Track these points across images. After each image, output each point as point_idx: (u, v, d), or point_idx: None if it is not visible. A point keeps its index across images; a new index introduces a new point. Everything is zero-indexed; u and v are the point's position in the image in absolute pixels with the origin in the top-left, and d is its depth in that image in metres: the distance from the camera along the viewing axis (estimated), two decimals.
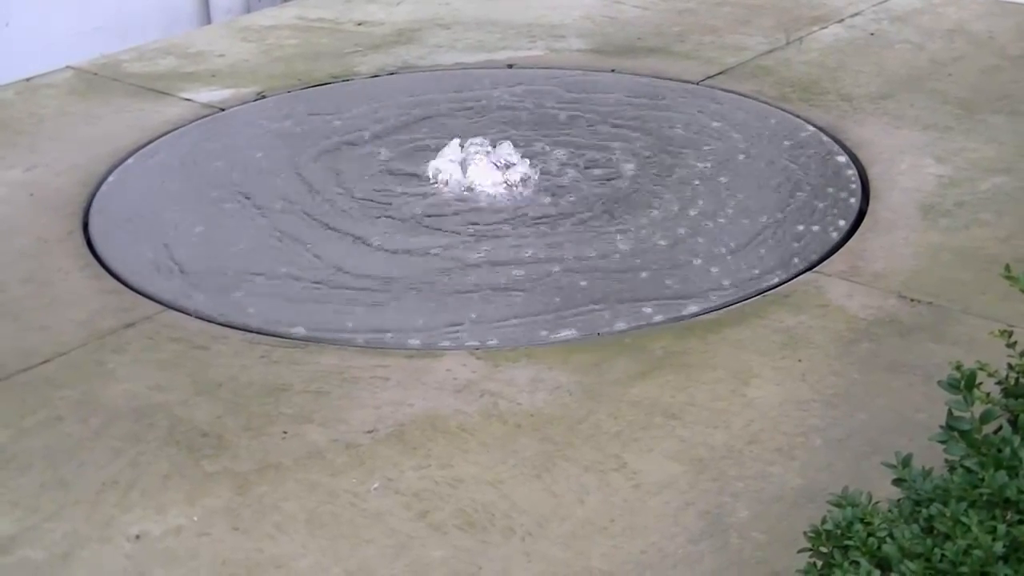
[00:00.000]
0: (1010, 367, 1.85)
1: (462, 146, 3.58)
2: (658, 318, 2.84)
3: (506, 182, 3.45)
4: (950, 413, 1.74)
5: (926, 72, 4.18)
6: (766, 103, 3.98)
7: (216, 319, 2.90)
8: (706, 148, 3.68)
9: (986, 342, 2.04)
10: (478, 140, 3.61)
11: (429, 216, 3.33)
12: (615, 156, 3.62)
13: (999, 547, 1.53)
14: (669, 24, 4.72)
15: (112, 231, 3.32)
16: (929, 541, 1.56)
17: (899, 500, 1.69)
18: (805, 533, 1.67)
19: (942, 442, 1.74)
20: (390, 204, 3.40)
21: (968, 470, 1.66)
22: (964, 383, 1.72)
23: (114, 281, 3.07)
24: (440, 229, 3.26)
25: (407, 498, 2.27)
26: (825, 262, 3.04)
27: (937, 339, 2.70)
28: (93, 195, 3.51)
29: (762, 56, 4.36)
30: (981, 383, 1.74)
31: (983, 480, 1.62)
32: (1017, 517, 1.59)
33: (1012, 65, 4.22)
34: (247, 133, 3.92)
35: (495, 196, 3.41)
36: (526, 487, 2.29)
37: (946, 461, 1.73)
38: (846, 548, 1.60)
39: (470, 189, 3.44)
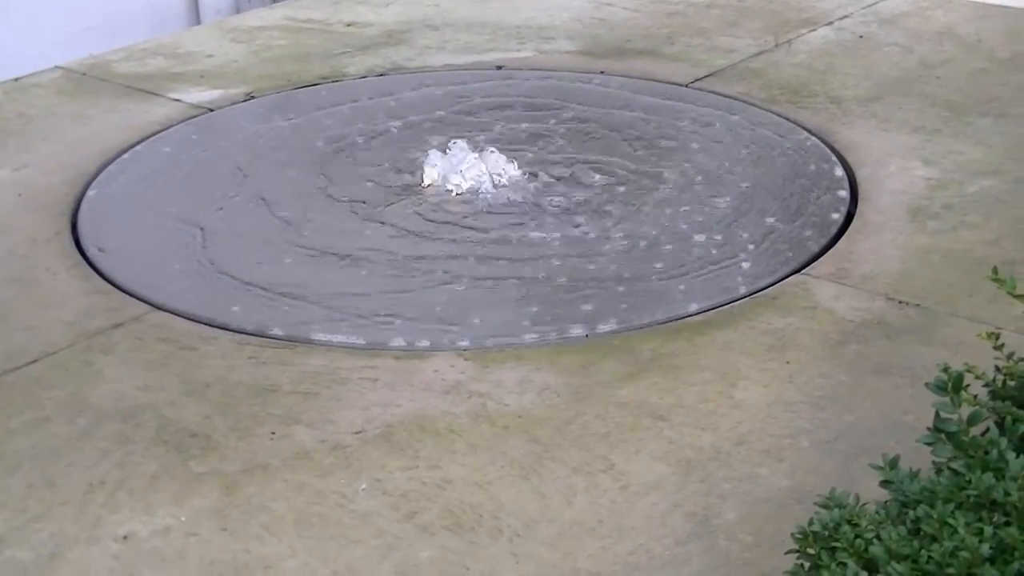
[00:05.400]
0: (997, 369, 1.86)
1: (450, 148, 3.58)
2: (646, 320, 2.85)
3: (494, 184, 3.45)
4: (937, 415, 1.74)
5: (915, 75, 4.19)
6: (755, 105, 3.98)
7: (205, 319, 2.90)
8: (694, 150, 3.68)
9: (974, 344, 2.04)
10: (466, 141, 3.61)
11: (417, 218, 3.33)
12: (603, 158, 3.62)
13: (986, 549, 1.53)
14: (658, 26, 4.72)
15: (100, 231, 3.31)
16: (916, 543, 1.57)
17: (886, 502, 1.70)
18: (792, 535, 1.67)
19: (929, 444, 1.74)
20: (378, 206, 3.40)
21: (955, 472, 1.67)
22: (951, 385, 1.73)
23: (102, 281, 3.07)
24: (428, 231, 3.26)
25: (395, 499, 2.27)
26: (813, 264, 3.05)
27: (925, 341, 2.70)
28: (82, 195, 3.51)
29: (751, 58, 4.37)
30: (968, 385, 1.75)
31: (970, 482, 1.63)
32: (1004, 519, 1.59)
33: (1000, 68, 4.23)
34: (236, 134, 3.91)
35: (483, 198, 3.40)
36: (514, 488, 2.29)
37: (933, 463, 1.73)
38: (833, 549, 1.61)
39: (458, 191, 3.44)
